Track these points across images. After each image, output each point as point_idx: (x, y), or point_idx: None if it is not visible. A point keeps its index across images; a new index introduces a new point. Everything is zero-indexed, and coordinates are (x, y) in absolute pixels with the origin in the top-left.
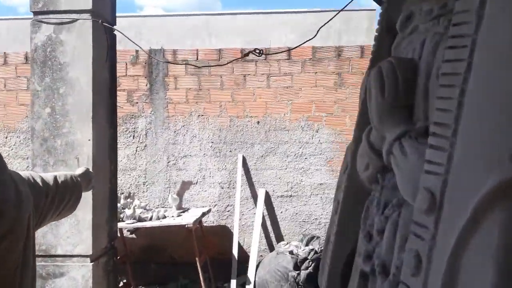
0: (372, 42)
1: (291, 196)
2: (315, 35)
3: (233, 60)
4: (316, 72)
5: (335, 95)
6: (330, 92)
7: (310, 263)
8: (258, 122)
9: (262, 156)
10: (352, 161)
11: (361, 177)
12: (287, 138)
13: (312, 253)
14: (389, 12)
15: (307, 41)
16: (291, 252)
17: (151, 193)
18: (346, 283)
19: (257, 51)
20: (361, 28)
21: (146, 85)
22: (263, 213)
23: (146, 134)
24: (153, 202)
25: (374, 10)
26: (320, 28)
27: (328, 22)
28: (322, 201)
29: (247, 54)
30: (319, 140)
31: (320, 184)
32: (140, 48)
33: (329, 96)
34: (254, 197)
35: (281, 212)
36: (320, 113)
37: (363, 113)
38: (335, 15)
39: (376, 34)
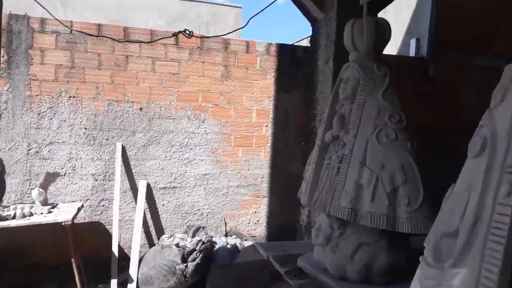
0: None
1: (174, 187)
2: (246, 24)
3: (161, 39)
4: (203, 62)
5: (222, 87)
6: (217, 83)
7: (198, 254)
8: (141, 109)
9: (144, 145)
10: None
11: None
12: (172, 127)
13: (200, 244)
14: None
15: (237, 29)
16: (177, 245)
17: (6, 186)
18: None
19: (187, 32)
20: (227, 23)
21: (3, 56)
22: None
23: (0, 116)
24: (8, 197)
25: (241, 7)
26: (251, 17)
27: (257, 14)
28: (205, 192)
29: (176, 34)
30: (205, 131)
31: (204, 174)
32: None
33: (216, 87)
34: (134, 189)
35: (163, 205)
36: (206, 103)
37: None
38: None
39: None
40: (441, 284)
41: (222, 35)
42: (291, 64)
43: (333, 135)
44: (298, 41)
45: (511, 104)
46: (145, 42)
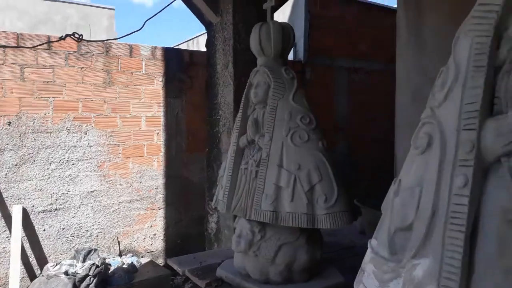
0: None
1: (56, 209)
2: (142, 27)
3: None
4: (82, 68)
5: (105, 94)
6: (99, 90)
7: (92, 279)
8: (10, 123)
9: (16, 165)
10: None
11: None
12: (50, 142)
13: (93, 267)
14: None
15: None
16: (66, 273)
17: None
18: None
19: (77, 35)
20: (100, 26)
21: None
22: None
23: None
24: None
25: (114, 9)
26: (147, 20)
27: (152, 16)
28: (93, 210)
29: (63, 38)
30: (88, 143)
31: (91, 191)
32: None
33: (98, 95)
34: (7, 216)
35: (44, 230)
36: (88, 113)
37: None
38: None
39: None
40: (399, 276)
41: (109, 39)
42: (179, 68)
43: (248, 140)
44: (186, 41)
45: (455, 102)
46: (10, 47)
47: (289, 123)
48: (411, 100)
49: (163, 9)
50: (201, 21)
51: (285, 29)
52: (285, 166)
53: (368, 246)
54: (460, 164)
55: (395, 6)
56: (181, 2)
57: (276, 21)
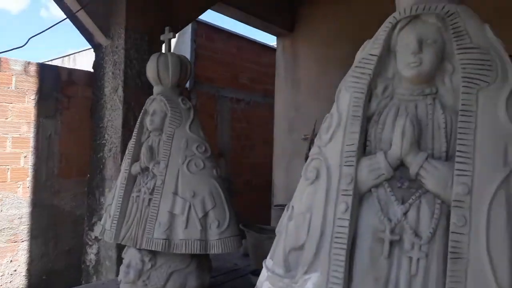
0: None
1: None
2: (25, 43)
3: None
4: None
5: None
6: None
7: None
8: None
9: None
10: None
11: None
12: None
13: None
14: None
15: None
16: None
17: None
18: None
19: None
20: None
21: None
22: None
23: None
24: None
25: None
26: (32, 37)
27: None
28: None
29: None
30: None
31: None
32: None
33: None
34: None
35: None
36: None
37: None
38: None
39: None
40: None
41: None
42: (56, 86)
43: (142, 167)
44: (61, 57)
45: (338, 143)
46: None
47: (186, 151)
48: (287, 132)
49: (52, 26)
50: (89, 42)
51: (183, 61)
52: (180, 193)
53: (264, 266)
54: (342, 193)
55: (273, 43)
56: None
57: (174, 53)
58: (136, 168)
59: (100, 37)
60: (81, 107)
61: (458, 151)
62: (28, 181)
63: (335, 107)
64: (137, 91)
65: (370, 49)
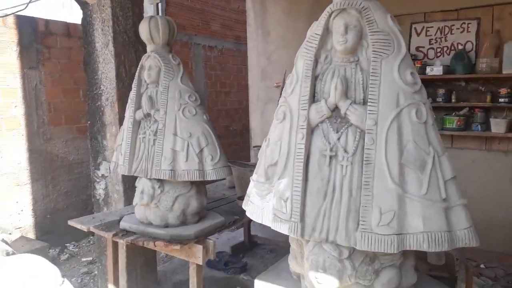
0: None
1: None
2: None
3: None
4: None
5: None
6: None
7: None
8: None
9: None
10: None
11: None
12: None
13: None
14: None
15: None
16: None
17: None
18: None
19: None
20: None
21: None
22: None
23: None
24: None
25: None
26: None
27: None
28: None
29: None
30: None
31: None
32: None
33: None
34: None
35: None
36: None
37: None
38: None
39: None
40: (271, 191)
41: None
42: (35, 37)
43: (144, 113)
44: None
45: (297, 94)
46: None
47: (180, 100)
48: (260, 79)
49: None
50: (77, 1)
51: (170, 23)
52: (179, 134)
53: (251, 180)
54: (300, 127)
55: None
56: None
57: (162, 16)
58: (139, 114)
59: None
60: (62, 57)
61: (369, 99)
62: (21, 129)
63: (294, 70)
64: (124, 46)
65: (315, 29)
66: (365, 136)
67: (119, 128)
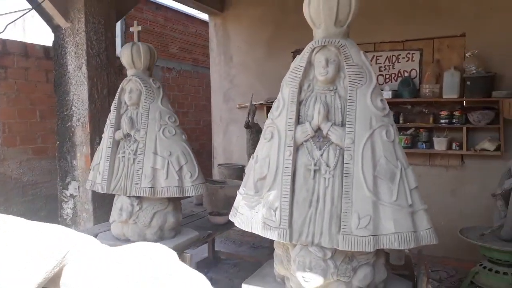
0: None
1: None
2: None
3: None
4: None
5: None
6: None
7: None
8: None
9: None
10: None
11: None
12: None
13: None
14: None
15: None
16: None
17: None
18: None
19: None
20: None
21: None
22: None
23: None
24: None
25: None
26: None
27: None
28: None
29: None
30: None
31: None
32: None
33: None
34: None
35: None
36: None
37: None
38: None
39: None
40: (260, 202)
41: None
42: None
43: (124, 134)
44: None
45: (284, 117)
46: None
47: (160, 121)
48: (223, 101)
49: (23, 14)
50: (48, 23)
51: (151, 49)
52: (159, 153)
53: (238, 193)
54: (287, 146)
55: (199, 14)
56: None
57: (143, 43)
58: (119, 134)
59: (60, 20)
60: (18, 77)
61: (347, 121)
62: None
63: (281, 95)
64: (97, 69)
65: (299, 62)
66: (344, 152)
67: (90, 148)
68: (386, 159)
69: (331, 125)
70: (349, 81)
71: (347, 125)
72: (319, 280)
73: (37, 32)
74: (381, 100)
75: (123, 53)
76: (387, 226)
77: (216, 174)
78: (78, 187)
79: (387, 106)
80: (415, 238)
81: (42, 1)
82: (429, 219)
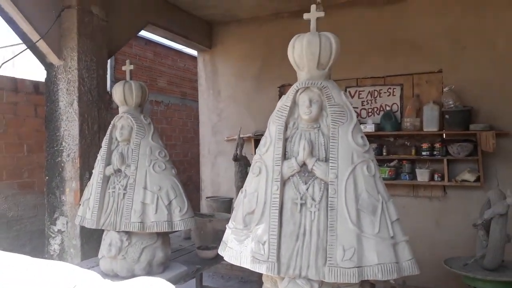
0: None
1: None
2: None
3: None
4: None
5: None
6: None
7: None
8: None
9: None
10: None
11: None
12: None
13: None
14: None
15: None
16: None
17: None
18: None
19: None
20: None
21: None
22: None
23: None
24: None
25: None
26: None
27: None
28: None
29: None
30: None
31: None
32: None
33: None
34: None
35: None
36: None
37: None
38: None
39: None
40: (249, 236)
41: None
42: None
43: (115, 169)
44: None
45: (271, 152)
46: None
47: (150, 156)
48: (211, 133)
49: (20, 52)
50: (41, 61)
51: (143, 87)
52: (149, 188)
53: (227, 227)
54: (275, 180)
55: (186, 49)
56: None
57: (135, 81)
58: (110, 170)
59: (53, 58)
60: (7, 112)
61: (330, 157)
62: None
63: (268, 132)
64: (88, 105)
65: (285, 102)
66: (329, 187)
67: (79, 183)
68: (368, 193)
69: (316, 161)
70: (331, 120)
71: (330, 161)
72: None
73: (26, 66)
74: (362, 137)
75: (116, 90)
76: (370, 257)
77: (204, 207)
78: (67, 222)
79: (367, 143)
80: (398, 269)
81: (37, 41)
82: (411, 250)
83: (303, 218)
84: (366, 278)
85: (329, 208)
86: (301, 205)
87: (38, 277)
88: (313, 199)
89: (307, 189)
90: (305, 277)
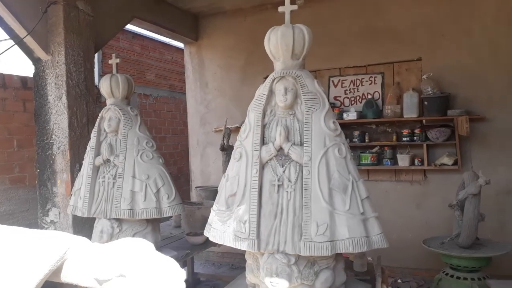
0: None
1: None
2: None
3: None
4: None
5: None
6: None
7: None
8: None
9: None
10: None
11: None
12: None
13: None
14: None
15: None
16: None
17: None
18: None
19: None
20: None
21: None
22: None
23: None
24: None
25: None
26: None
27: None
28: None
29: None
30: None
31: None
32: None
33: None
34: None
35: None
36: None
37: None
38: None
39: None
40: (231, 217)
41: None
42: None
43: (104, 159)
44: None
45: (250, 139)
46: None
47: (138, 146)
48: (199, 125)
49: (11, 47)
50: (28, 56)
51: (129, 80)
52: (137, 177)
53: (212, 210)
54: (254, 164)
55: (174, 42)
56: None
57: (122, 74)
58: (99, 160)
59: (40, 53)
60: None
61: (304, 141)
62: None
63: (247, 120)
64: (76, 98)
65: (262, 90)
66: (303, 168)
67: (70, 174)
68: (339, 173)
69: (291, 145)
70: (305, 107)
71: (304, 145)
72: (285, 284)
73: (14, 62)
74: (333, 122)
75: (103, 84)
76: (342, 232)
77: (194, 196)
78: (59, 213)
79: (339, 127)
80: (368, 242)
81: (24, 37)
82: (380, 225)
83: (280, 198)
84: (338, 251)
85: (303, 188)
86: (279, 186)
87: (35, 243)
88: (289, 180)
89: (283, 171)
90: (283, 251)
